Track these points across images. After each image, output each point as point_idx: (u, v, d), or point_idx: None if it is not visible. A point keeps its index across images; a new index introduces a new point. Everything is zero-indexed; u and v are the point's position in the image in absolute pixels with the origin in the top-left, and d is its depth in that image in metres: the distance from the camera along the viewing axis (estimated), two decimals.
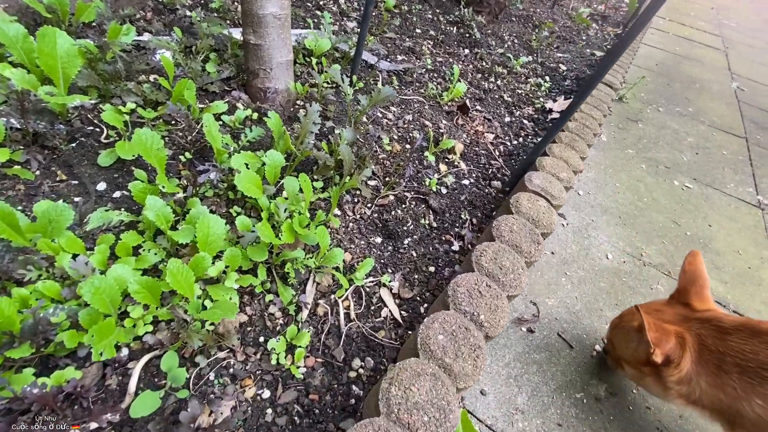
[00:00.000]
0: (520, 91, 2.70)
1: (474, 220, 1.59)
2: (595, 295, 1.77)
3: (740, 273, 1.99)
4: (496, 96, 2.55)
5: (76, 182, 1.29)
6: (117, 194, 1.29)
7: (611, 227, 2.20)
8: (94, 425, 0.80)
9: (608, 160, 2.77)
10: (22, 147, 1.27)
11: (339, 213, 1.43)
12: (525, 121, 2.42)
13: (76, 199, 1.26)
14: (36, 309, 0.86)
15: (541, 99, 2.67)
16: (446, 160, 1.83)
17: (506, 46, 3.22)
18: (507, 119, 2.38)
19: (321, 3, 2.77)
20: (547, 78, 2.97)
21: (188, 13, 2.11)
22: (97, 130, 1.43)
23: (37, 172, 1.27)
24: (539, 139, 2.23)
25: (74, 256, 1.01)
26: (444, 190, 1.67)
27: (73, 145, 1.37)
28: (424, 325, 0.92)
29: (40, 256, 0.98)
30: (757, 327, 0.92)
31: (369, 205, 1.50)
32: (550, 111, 2.54)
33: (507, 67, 2.88)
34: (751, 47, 5.91)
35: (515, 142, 2.19)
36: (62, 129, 1.36)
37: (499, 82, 2.69)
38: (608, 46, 4.02)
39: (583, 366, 1.40)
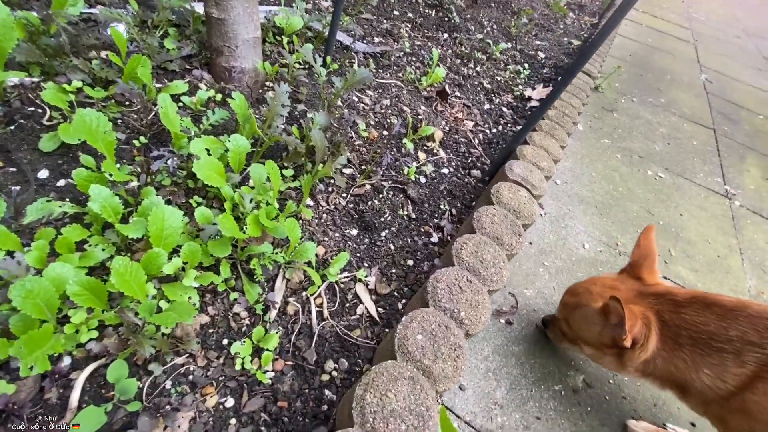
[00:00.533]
0: (499, 78, 2.65)
1: (453, 211, 1.54)
2: None
3: (710, 261, 2.04)
4: (476, 82, 2.49)
5: (14, 169, 1.15)
6: (61, 182, 1.16)
7: (588, 217, 2.20)
8: None
9: (584, 149, 2.78)
10: None
11: (311, 203, 1.35)
12: (504, 109, 2.37)
13: (14, 188, 1.12)
14: None
15: (520, 86, 2.63)
16: (425, 147, 1.77)
17: (485, 31, 3.15)
18: (486, 106, 2.33)
19: None
20: (526, 65, 2.93)
21: None
22: (39, 111, 1.27)
23: None
24: (519, 128, 2.20)
25: (9, 254, 0.89)
26: (423, 180, 1.60)
27: (12, 127, 1.22)
28: (402, 324, 0.86)
29: None
30: (709, 299, 0.95)
31: (344, 194, 1.41)
32: (529, 99, 2.50)
33: (486, 53, 2.82)
34: (718, 40, 6.09)
35: (494, 130, 2.14)
36: None
37: (478, 68, 2.63)
38: (585, 35, 4.03)
39: (561, 357, 1.39)
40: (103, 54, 1.50)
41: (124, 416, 0.80)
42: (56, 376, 0.81)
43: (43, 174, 1.17)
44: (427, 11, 3.02)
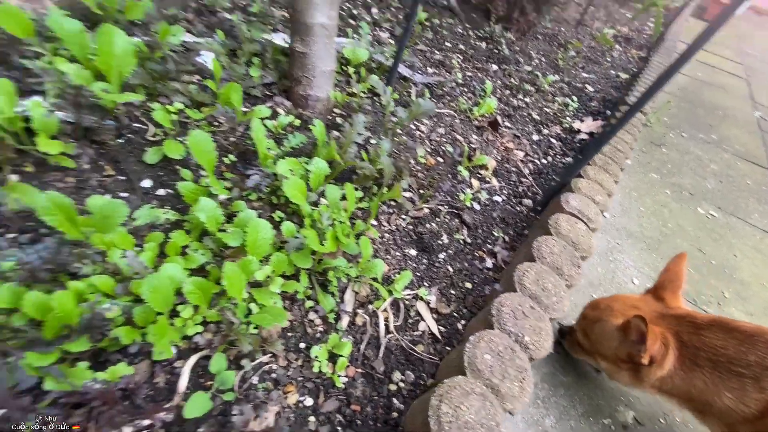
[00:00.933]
0: (547, 110, 2.71)
1: (506, 238, 1.60)
2: None
3: (766, 305, 1.98)
4: (525, 113, 2.56)
5: (123, 178, 1.32)
6: (161, 192, 1.31)
7: (636, 251, 2.19)
8: (146, 422, 0.81)
9: (632, 183, 2.77)
10: (73, 140, 1.30)
11: (375, 223, 1.45)
12: (553, 140, 2.42)
13: (122, 194, 1.28)
14: (93, 304, 0.87)
15: (569, 118, 2.68)
16: (479, 175, 1.84)
17: (534, 63, 3.24)
18: (535, 137, 2.39)
19: (355, 12, 2.81)
20: (575, 98, 2.98)
21: (228, 15, 2.15)
22: (143, 127, 1.46)
23: (86, 166, 1.29)
24: (568, 159, 2.24)
25: (125, 253, 1.03)
26: (477, 206, 1.67)
27: (121, 141, 1.40)
28: (471, 343, 0.93)
29: (94, 251, 1.00)
30: (729, 324, 0.97)
31: (404, 216, 1.51)
32: (578, 131, 2.54)
33: (535, 85, 2.90)
34: None
35: (544, 161, 2.19)
36: (111, 124, 1.38)
37: (527, 100, 2.70)
38: (634, 69, 4.03)
39: (610, 391, 1.39)
40: (195, 78, 1.69)
41: (220, 404, 0.90)
42: (165, 362, 0.93)
43: (146, 183, 1.33)
44: (477, 43, 3.14)
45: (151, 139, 1.43)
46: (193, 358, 0.93)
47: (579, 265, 1.22)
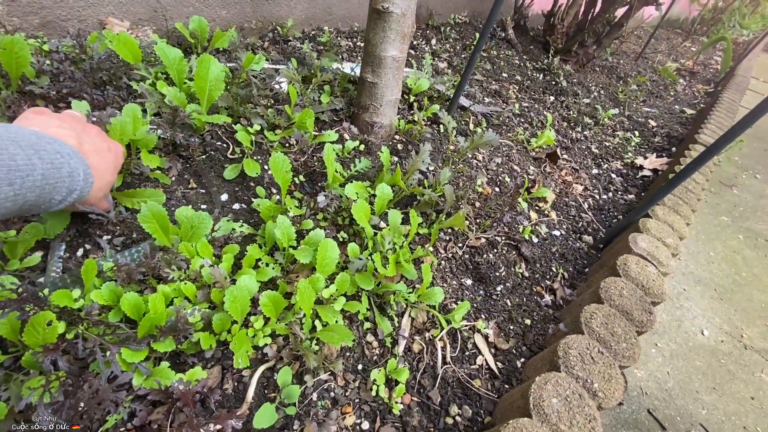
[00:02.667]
0: (607, 144, 2.63)
1: (566, 274, 1.55)
2: (690, 374, 1.64)
3: None
4: (583, 147, 2.50)
5: (204, 191, 1.43)
6: (236, 206, 1.41)
7: (706, 300, 2.04)
8: (217, 427, 0.85)
9: (700, 225, 2.60)
10: (164, 155, 1.44)
11: (432, 250, 1.46)
12: (613, 176, 2.34)
13: (203, 206, 1.38)
14: (180, 308, 0.95)
15: (630, 154, 2.58)
16: (537, 207, 1.81)
17: (593, 96, 3.17)
18: (594, 171, 2.33)
19: (414, 43, 2.92)
20: (636, 132, 2.88)
21: (299, 44, 2.31)
22: (224, 145, 1.58)
23: (173, 179, 1.41)
24: (631, 197, 2.15)
25: (206, 261, 1.11)
26: (535, 239, 1.64)
27: (204, 157, 1.52)
28: (537, 384, 0.90)
29: (180, 258, 1.09)
30: None
31: (460, 245, 1.51)
32: (641, 168, 2.44)
33: (594, 118, 2.83)
34: None
35: (604, 197, 2.12)
36: (196, 142, 1.51)
37: (586, 133, 2.64)
38: (701, 105, 3.84)
39: None
40: (271, 102, 1.82)
41: (282, 417, 0.93)
42: (234, 370, 0.98)
43: (224, 197, 1.43)
44: (534, 74, 3.14)
45: (231, 156, 1.54)
46: (261, 369, 0.97)
47: (651, 312, 1.15)
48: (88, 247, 1.13)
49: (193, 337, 0.93)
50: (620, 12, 3.11)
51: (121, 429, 0.84)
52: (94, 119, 1.23)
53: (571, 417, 0.86)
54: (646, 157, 2.54)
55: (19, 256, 1.03)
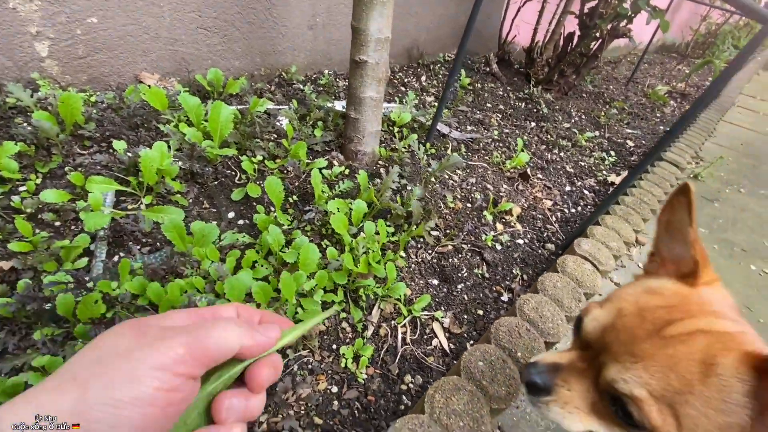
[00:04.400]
0: (583, 163, 2.86)
1: (525, 277, 1.76)
2: None
3: None
4: (559, 167, 2.74)
5: (215, 210, 1.74)
6: (241, 221, 1.71)
7: None
8: None
9: None
10: (184, 182, 1.77)
11: (404, 255, 1.71)
12: (586, 192, 2.56)
13: (213, 222, 1.69)
14: (191, 294, 1.23)
15: (604, 172, 2.80)
16: (503, 220, 2.05)
17: (573, 121, 3.43)
18: (567, 188, 2.55)
19: (405, 80, 3.28)
20: (612, 152, 3.10)
21: (302, 87, 2.69)
22: (232, 173, 1.91)
23: (190, 200, 1.74)
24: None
25: (213, 262, 1.40)
26: (499, 247, 1.87)
27: (215, 183, 1.85)
28: (468, 352, 1.12)
29: (193, 260, 1.38)
30: None
31: (430, 251, 1.75)
32: (612, 184, 2.65)
33: (571, 141, 3.08)
34: None
35: (573, 210, 2.33)
36: (210, 170, 1.85)
37: (562, 154, 2.89)
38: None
39: None
40: (272, 136, 2.17)
41: None
42: None
43: (231, 215, 1.74)
44: (517, 104, 3.44)
45: (238, 182, 1.87)
46: None
47: (580, 300, 1.36)
48: (122, 254, 1.44)
49: None
50: (595, 45, 3.41)
51: None
52: (130, 155, 1.59)
53: (492, 375, 1.08)
54: (618, 174, 2.75)
55: (71, 260, 1.35)
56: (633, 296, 0.63)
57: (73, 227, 1.47)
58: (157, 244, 1.51)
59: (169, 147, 1.80)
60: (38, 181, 1.58)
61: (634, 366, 0.54)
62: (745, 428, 0.50)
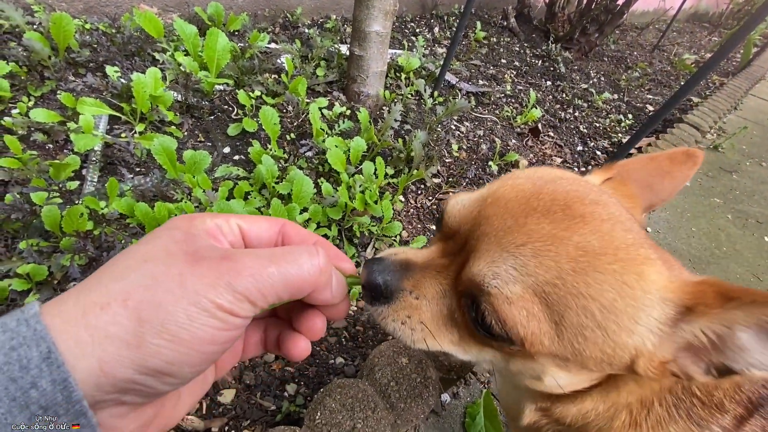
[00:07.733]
0: (597, 125, 2.74)
1: None
2: None
3: None
4: (572, 126, 2.62)
5: (210, 144, 1.69)
6: (236, 157, 1.66)
7: None
8: None
9: (687, 204, 2.66)
10: (178, 113, 1.71)
11: (403, 200, 1.66)
12: (598, 152, 2.45)
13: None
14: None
15: (620, 134, 2.68)
16: (508, 171, 1.98)
17: (591, 82, 3.26)
18: (579, 148, 2.45)
19: (417, 30, 3.12)
20: (630, 116, 2.95)
21: (307, 30, 2.56)
22: (229, 108, 1.84)
23: (185, 132, 1.68)
24: None
25: (205, 191, 1.36)
26: None
27: (212, 117, 1.79)
28: None
29: (184, 186, 1.34)
30: None
31: (430, 197, 1.70)
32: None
33: (588, 101, 2.94)
34: None
35: (583, 170, 2.24)
36: (206, 104, 1.78)
37: (576, 114, 2.76)
38: (707, 93, 3.82)
39: None
40: (273, 76, 2.08)
41: None
42: None
43: (226, 150, 1.69)
44: (533, 61, 3.27)
45: (234, 117, 1.80)
46: None
47: None
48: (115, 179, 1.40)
49: None
50: (621, 0, 3.19)
51: None
52: (123, 81, 1.52)
53: None
54: None
55: (60, 179, 1.31)
56: (522, 177, 0.48)
57: (65, 150, 1.44)
58: (150, 173, 1.47)
59: (164, 77, 1.73)
60: (30, 103, 1.53)
61: (519, 250, 0.40)
62: (635, 357, 0.41)
